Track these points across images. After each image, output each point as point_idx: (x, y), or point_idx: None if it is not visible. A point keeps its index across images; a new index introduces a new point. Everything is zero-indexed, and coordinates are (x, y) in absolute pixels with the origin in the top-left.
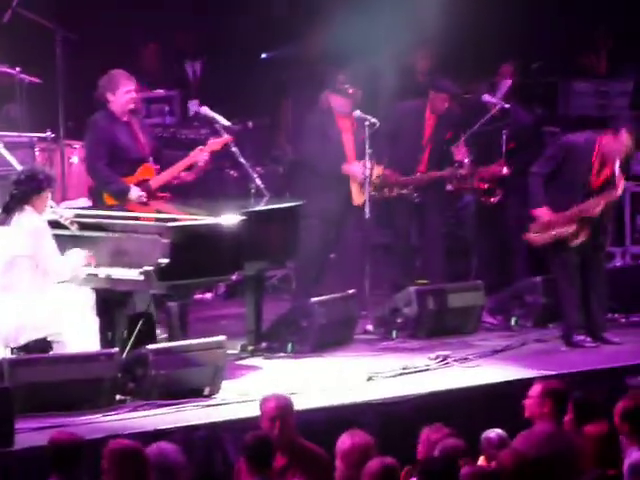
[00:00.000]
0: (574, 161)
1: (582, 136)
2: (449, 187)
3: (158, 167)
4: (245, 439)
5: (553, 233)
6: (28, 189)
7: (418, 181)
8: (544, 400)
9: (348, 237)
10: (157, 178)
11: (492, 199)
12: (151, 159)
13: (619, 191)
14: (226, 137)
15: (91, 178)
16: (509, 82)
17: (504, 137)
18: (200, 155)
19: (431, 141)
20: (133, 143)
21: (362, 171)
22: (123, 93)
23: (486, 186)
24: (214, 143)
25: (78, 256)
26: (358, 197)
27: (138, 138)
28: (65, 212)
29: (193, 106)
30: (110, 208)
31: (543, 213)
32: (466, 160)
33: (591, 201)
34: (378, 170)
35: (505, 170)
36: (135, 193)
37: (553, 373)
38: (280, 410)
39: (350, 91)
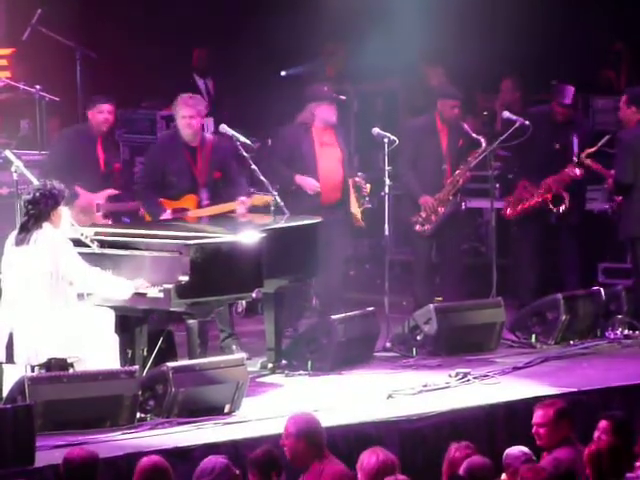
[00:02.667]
0: None
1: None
2: (522, 207)
3: (207, 203)
4: (255, 454)
5: None
6: (47, 207)
7: (453, 187)
8: (559, 423)
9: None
10: (196, 211)
11: (561, 207)
12: (205, 190)
13: None
14: (269, 197)
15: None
16: (572, 88)
17: (575, 141)
18: (240, 207)
19: (450, 151)
20: (188, 170)
21: (312, 187)
22: (180, 118)
23: (551, 196)
24: (258, 199)
25: (125, 283)
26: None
27: (197, 166)
28: (86, 230)
29: (211, 124)
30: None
31: None
32: (482, 141)
33: None
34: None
35: (578, 172)
36: None
37: (554, 392)
38: (306, 429)
39: (336, 95)
